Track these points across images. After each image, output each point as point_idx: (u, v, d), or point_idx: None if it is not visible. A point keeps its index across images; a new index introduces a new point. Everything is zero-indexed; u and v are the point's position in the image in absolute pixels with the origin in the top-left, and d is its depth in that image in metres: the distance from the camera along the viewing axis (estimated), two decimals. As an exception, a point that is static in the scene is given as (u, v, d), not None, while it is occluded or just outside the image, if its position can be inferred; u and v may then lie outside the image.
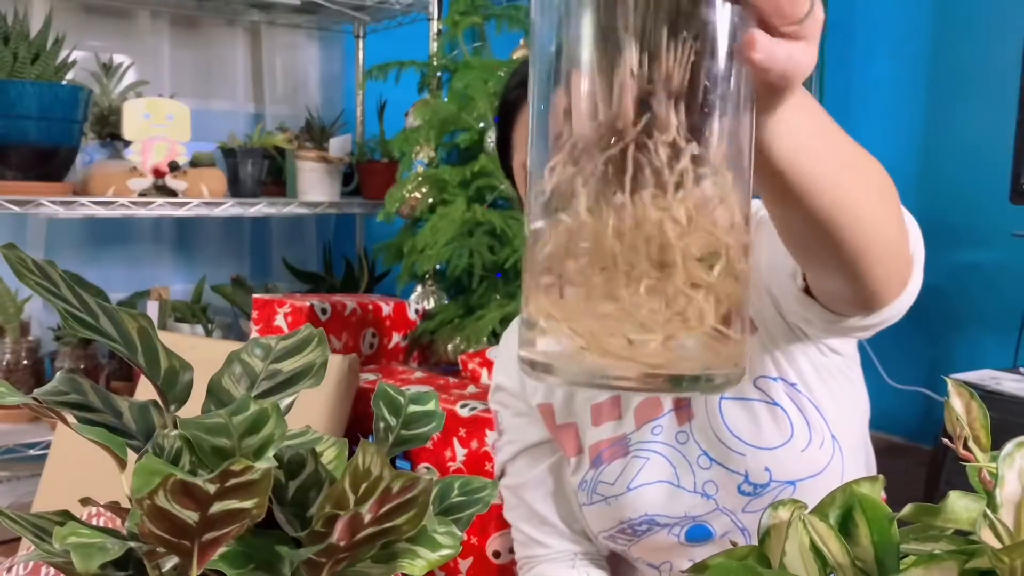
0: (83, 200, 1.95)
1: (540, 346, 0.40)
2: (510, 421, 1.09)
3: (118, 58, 2.30)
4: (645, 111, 0.39)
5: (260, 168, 2.32)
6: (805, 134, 0.57)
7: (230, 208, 2.19)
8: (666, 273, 0.38)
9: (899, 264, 0.72)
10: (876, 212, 0.65)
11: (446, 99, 2.15)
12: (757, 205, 0.94)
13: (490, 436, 1.47)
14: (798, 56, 0.46)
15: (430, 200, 2.04)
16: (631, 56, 0.39)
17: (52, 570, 0.88)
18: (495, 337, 1.89)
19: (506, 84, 1.00)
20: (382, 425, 0.51)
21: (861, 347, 1.01)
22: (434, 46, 2.47)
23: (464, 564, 1.45)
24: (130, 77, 2.29)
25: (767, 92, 0.49)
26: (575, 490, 1.02)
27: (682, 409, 0.95)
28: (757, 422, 0.91)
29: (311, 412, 1.52)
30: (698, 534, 0.95)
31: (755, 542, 0.46)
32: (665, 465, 0.95)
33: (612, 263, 0.38)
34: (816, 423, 0.92)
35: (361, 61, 2.77)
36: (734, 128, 0.41)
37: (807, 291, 0.80)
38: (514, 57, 2.18)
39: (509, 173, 1.02)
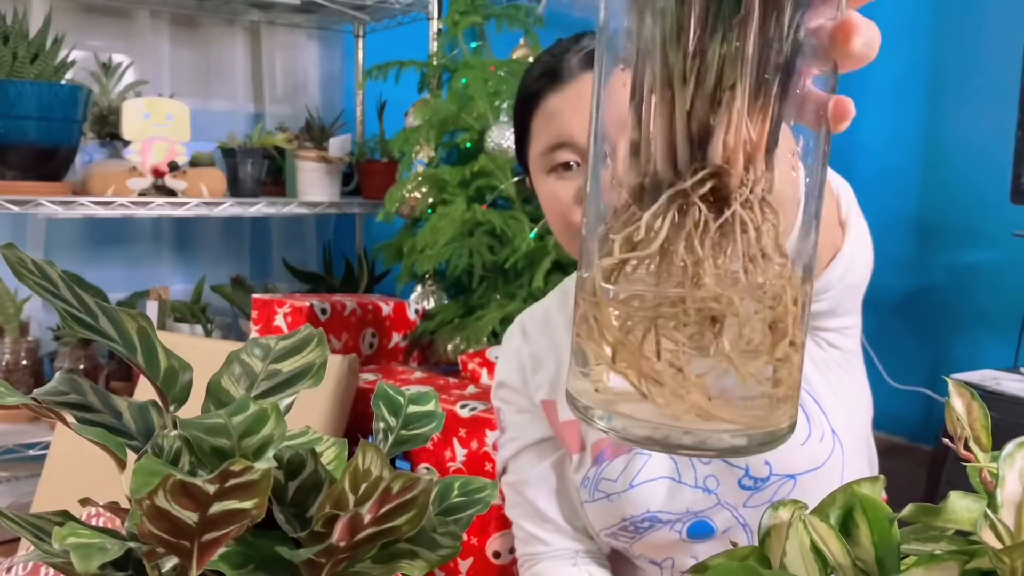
0: (83, 200, 1.95)
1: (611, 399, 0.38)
2: (512, 418, 1.09)
3: (118, 58, 2.30)
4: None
5: (260, 168, 2.32)
6: None
7: (230, 208, 2.19)
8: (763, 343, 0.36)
9: (826, 228, 0.70)
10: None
11: (446, 99, 2.15)
12: None
13: (490, 436, 1.47)
14: (873, 31, 0.40)
15: (430, 200, 2.04)
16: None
17: (52, 570, 0.88)
18: (495, 337, 1.89)
19: (527, 72, 0.99)
20: (382, 425, 0.51)
21: (861, 347, 1.01)
22: (434, 46, 2.47)
23: (464, 564, 1.45)
24: (130, 77, 2.29)
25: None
26: (577, 487, 1.02)
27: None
28: None
29: (311, 412, 1.52)
30: (700, 530, 0.95)
31: (756, 537, 0.46)
32: (666, 461, 0.95)
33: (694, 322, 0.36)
34: (815, 416, 0.92)
35: (361, 61, 2.77)
36: (815, 182, 0.38)
37: None
38: (514, 57, 2.18)
39: (524, 164, 1.02)
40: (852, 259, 0.80)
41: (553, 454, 1.06)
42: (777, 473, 0.91)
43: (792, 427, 0.40)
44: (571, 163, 0.92)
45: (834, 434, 0.93)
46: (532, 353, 1.08)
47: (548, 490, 1.05)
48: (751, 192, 0.35)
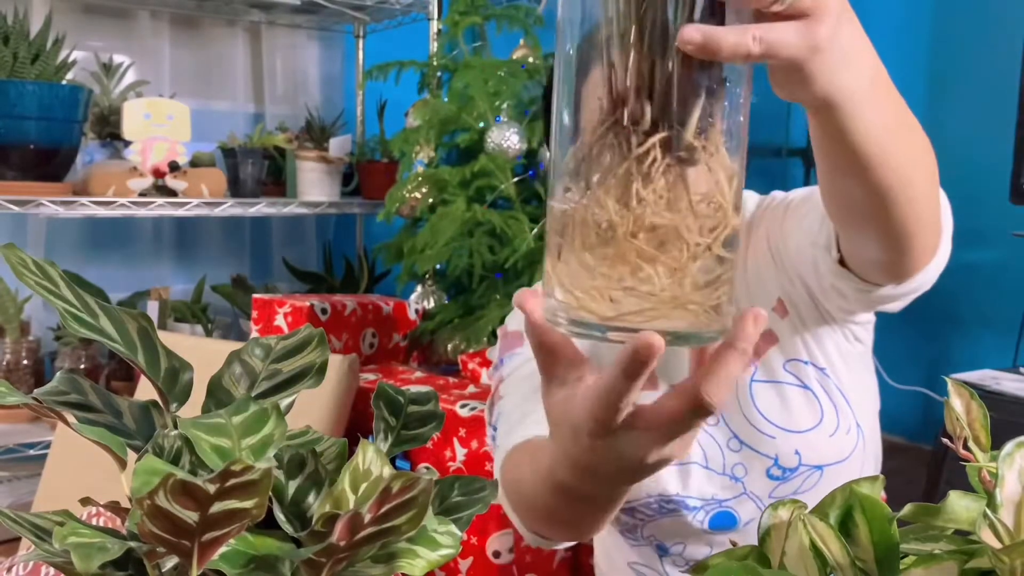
0: (83, 200, 1.95)
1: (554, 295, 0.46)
2: (515, 350, 1.00)
3: (118, 58, 2.30)
4: (648, 104, 0.43)
5: (260, 168, 2.32)
6: (883, 111, 0.58)
7: (230, 208, 2.19)
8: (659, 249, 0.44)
9: (935, 234, 0.75)
10: (927, 185, 0.68)
11: (446, 99, 2.15)
12: (780, 194, 0.94)
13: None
14: (790, 38, 0.45)
15: (430, 200, 2.04)
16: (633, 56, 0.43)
17: (52, 570, 0.88)
18: (495, 337, 1.88)
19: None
20: (382, 425, 0.51)
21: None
22: (434, 46, 2.47)
23: (464, 564, 1.45)
24: (130, 77, 2.29)
25: (786, 74, 0.50)
26: None
27: None
28: (788, 405, 0.93)
29: (311, 412, 1.52)
30: (723, 522, 0.95)
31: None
32: (695, 447, 0.95)
33: (612, 237, 0.44)
34: (843, 409, 0.94)
35: (361, 61, 2.77)
36: (730, 118, 0.45)
37: (841, 263, 0.81)
38: (514, 57, 2.18)
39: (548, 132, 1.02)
40: (939, 267, 0.80)
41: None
42: (806, 464, 0.92)
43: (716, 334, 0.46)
44: None
45: (858, 427, 0.94)
46: None
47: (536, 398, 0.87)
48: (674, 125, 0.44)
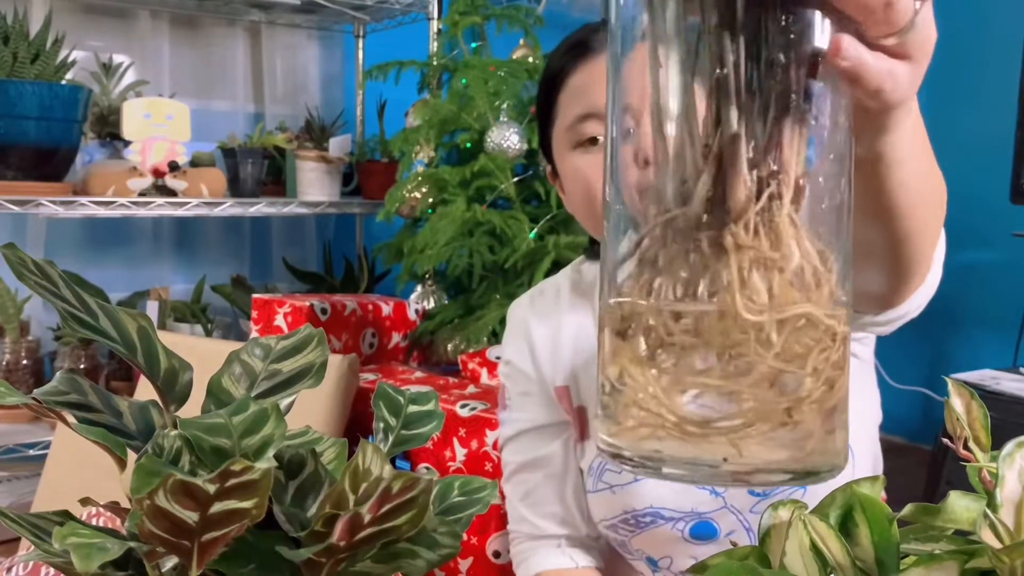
0: (83, 200, 1.95)
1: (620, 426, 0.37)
2: (516, 399, 1.07)
3: (118, 58, 2.30)
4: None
5: (260, 168, 2.32)
6: (917, 159, 0.56)
7: (230, 208, 2.19)
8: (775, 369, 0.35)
9: (929, 265, 0.73)
10: (939, 225, 0.66)
11: (446, 99, 2.15)
12: None
13: (490, 436, 1.47)
14: (900, 74, 0.41)
15: (430, 200, 2.04)
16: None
17: (52, 570, 0.88)
18: (495, 337, 1.89)
19: (552, 55, 0.99)
20: (382, 425, 0.51)
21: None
22: (434, 46, 2.47)
23: (464, 564, 1.45)
24: (130, 77, 2.29)
25: (866, 115, 0.46)
26: (583, 475, 1.02)
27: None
28: None
29: (311, 412, 1.52)
30: (703, 531, 0.95)
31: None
32: None
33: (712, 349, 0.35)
34: None
35: (361, 61, 2.77)
36: (835, 193, 0.37)
37: None
38: (514, 57, 2.18)
39: (547, 148, 1.01)
40: (928, 295, 0.78)
41: (553, 440, 1.05)
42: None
43: (844, 461, 0.38)
44: (597, 137, 0.92)
45: (850, 449, 0.93)
46: (545, 336, 1.05)
47: (542, 475, 1.05)
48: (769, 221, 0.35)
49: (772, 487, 0.36)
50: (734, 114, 0.34)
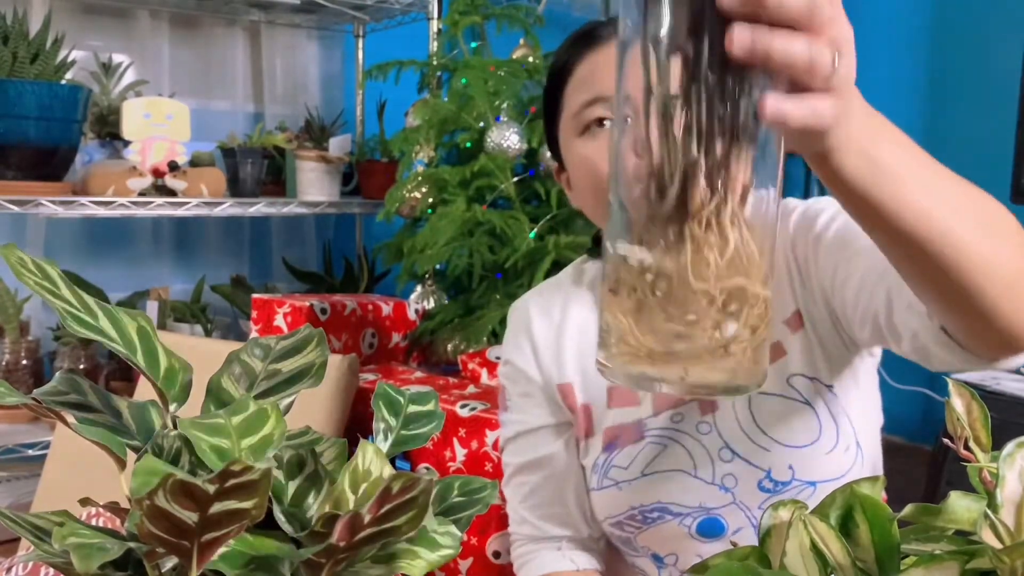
0: (83, 200, 1.95)
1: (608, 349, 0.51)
2: (516, 400, 1.07)
3: (118, 58, 2.30)
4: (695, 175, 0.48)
5: (260, 168, 2.32)
6: (911, 178, 0.60)
7: (229, 208, 2.19)
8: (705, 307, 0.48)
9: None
10: (983, 246, 0.61)
11: (446, 99, 2.15)
12: (795, 203, 0.93)
13: (490, 436, 1.47)
14: (823, 109, 0.50)
15: (430, 200, 2.04)
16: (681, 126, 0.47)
17: (52, 570, 0.88)
18: (495, 337, 1.89)
19: (558, 50, 1.00)
20: (382, 425, 0.51)
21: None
22: (434, 46, 2.47)
23: (464, 564, 1.45)
24: (130, 77, 2.29)
25: (805, 141, 0.54)
26: (587, 474, 1.02)
27: (706, 400, 0.95)
28: (786, 419, 0.92)
29: (311, 412, 1.52)
30: (710, 528, 0.95)
31: (761, 541, 0.46)
32: (683, 454, 0.95)
33: (671, 295, 0.48)
34: (844, 427, 0.92)
35: (361, 61, 2.77)
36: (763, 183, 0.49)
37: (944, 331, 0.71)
38: (514, 57, 2.18)
39: (553, 142, 1.01)
40: None
41: (553, 441, 1.04)
42: (799, 479, 0.91)
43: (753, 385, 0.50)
44: (603, 120, 0.92)
45: (858, 446, 0.93)
46: (548, 333, 1.05)
47: (543, 476, 1.04)
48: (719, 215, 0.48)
49: (712, 397, 0.51)
50: (694, 144, 0.47)
